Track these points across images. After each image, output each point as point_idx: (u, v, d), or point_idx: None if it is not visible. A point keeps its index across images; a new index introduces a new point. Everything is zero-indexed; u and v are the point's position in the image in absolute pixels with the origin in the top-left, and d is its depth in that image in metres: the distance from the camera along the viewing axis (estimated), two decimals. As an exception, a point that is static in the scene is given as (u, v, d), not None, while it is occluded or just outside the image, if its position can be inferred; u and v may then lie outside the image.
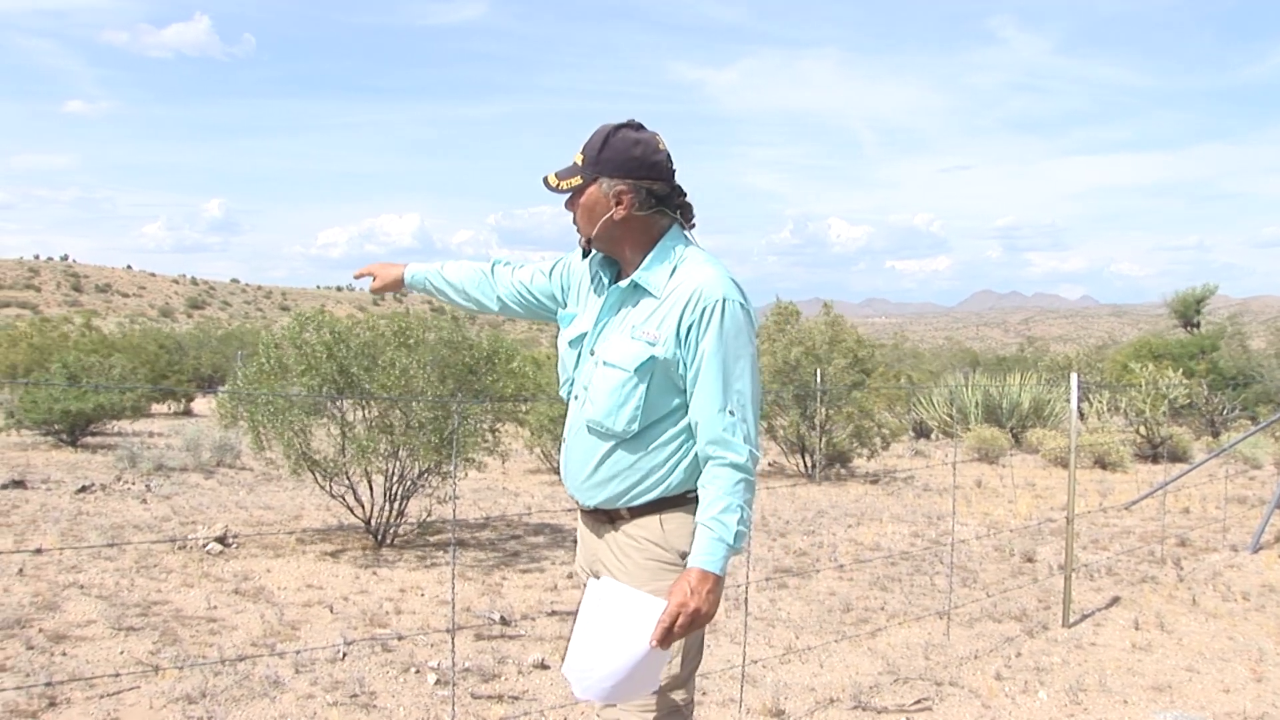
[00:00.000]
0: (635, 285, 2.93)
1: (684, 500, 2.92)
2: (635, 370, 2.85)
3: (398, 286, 3.54)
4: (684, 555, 2.88)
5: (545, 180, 2.99)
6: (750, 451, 2.81)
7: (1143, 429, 20.45)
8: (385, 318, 9.61)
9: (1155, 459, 19.53)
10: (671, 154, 2.95)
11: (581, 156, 2.94)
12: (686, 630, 2.72)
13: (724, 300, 2.80)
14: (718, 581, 2.74)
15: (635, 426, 2.87)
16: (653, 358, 2.84)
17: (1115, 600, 8.12)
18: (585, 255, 3.09)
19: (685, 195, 3.00)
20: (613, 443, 2.91)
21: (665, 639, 2.71)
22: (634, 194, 2.90)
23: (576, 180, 2.94)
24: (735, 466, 2.79)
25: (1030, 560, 9.56)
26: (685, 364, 2.84)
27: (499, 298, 3.36)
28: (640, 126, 2.93)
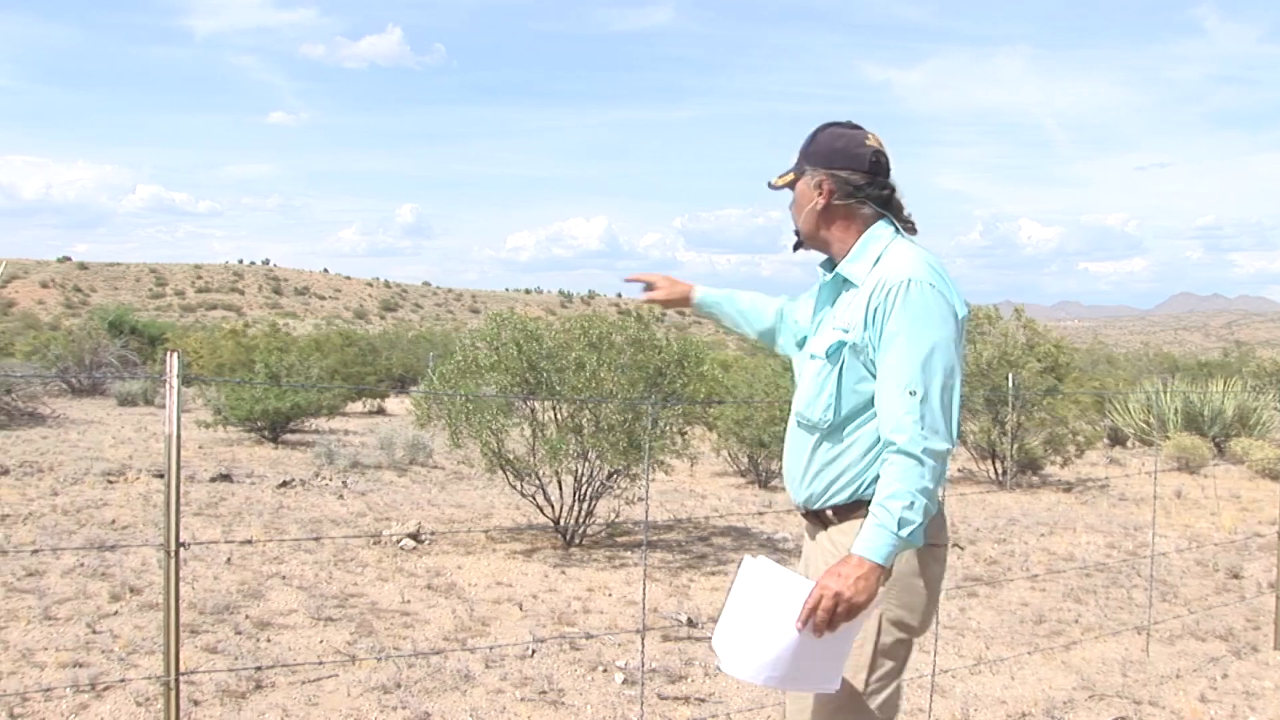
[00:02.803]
0: (842, 278, 2.95)
1: None
2: (827, 356, 2.84)
3: (685, 304, 3.52)
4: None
5: (769, 183, 3.09)
6: (925, 436, 2.65)
7: (1362, 440, 19.33)
8: (573, 319, 9.72)
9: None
10: (886, 154, 2.98)
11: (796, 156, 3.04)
12: (832, 616, 2.59)
13: (909, 281, 2.74)
14: (874, 570, 2.61)
15: (831, 415, 2.84)
16: (842, 342, 2.82)
17: (1332, 620, 7.68)
18: (795, 250, 3.12)
19: (894, 192, 2.99)
20: (817, 436, 2.90)
21: (814, 624, 2.60)
22: (833, 182, 2.93)
23: (790, 176, 3.03)
24: (906, 452, 2.65)
25: (1236, 577, 9.12)
26: (874, 348, 2.77)
27: (792, 335, 3.35)
28: (853, 126, 2.99)
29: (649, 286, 3.52)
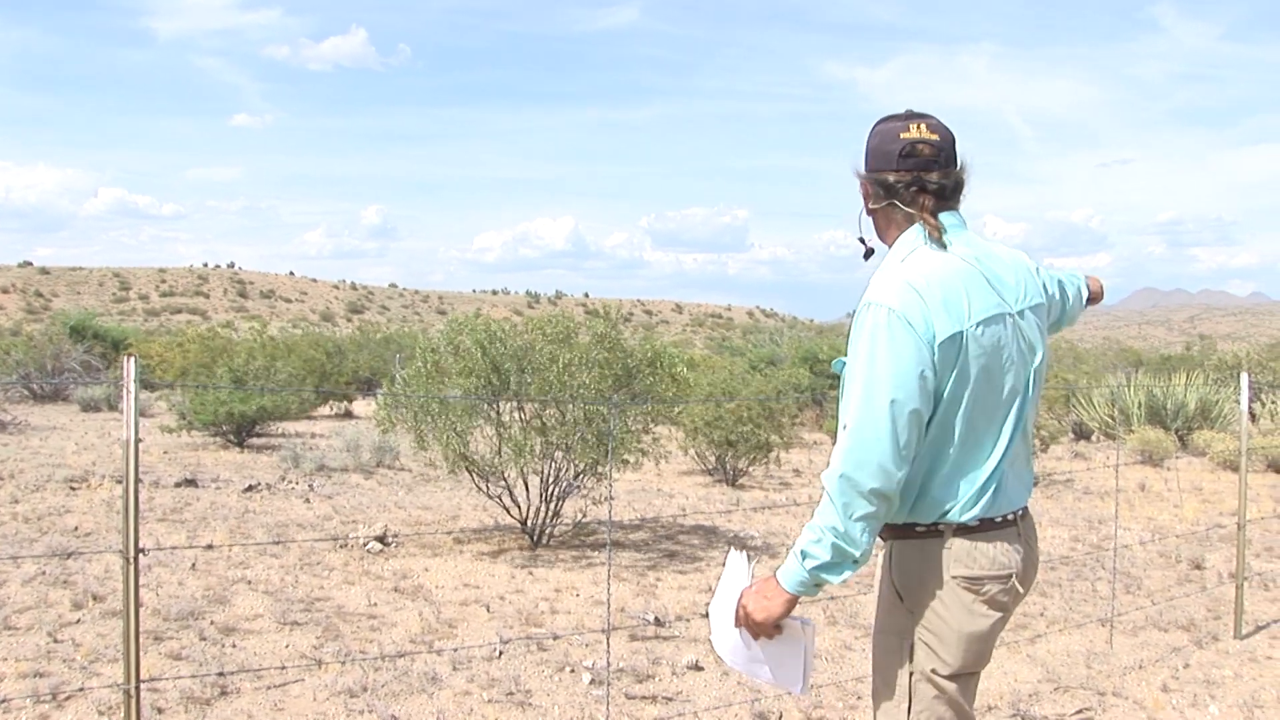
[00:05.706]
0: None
1: (910, 532, 2.69)
2: (837, 376, 2.71)
3: None
4: (898, 590, 2.72)
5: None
6: (846, 473, 2.50)
7: (1321, 431, 19.49)
8: (541, 319, 9.71)
9: (1336, 463, 18.60)
10: (932, 140, 2.67)
11: None
12: (744, 623, 2.68)
13: (869, 304, 2.56)
14: (779, 593, 2.60)
15: None
16: (842, 362, 2.68)
17: (1293, 610, 7.76)
18: (865, 258, 2.89)
19: (935, 187, 2.69)
20: None
21: (736, 622, 2.71)
22: (868, 184, 2.76)
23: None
24: (825, 486, 2.55)
25: (1198, 567, 9.19)
26: None
27: None
28: (903, 115, 2.73)
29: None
